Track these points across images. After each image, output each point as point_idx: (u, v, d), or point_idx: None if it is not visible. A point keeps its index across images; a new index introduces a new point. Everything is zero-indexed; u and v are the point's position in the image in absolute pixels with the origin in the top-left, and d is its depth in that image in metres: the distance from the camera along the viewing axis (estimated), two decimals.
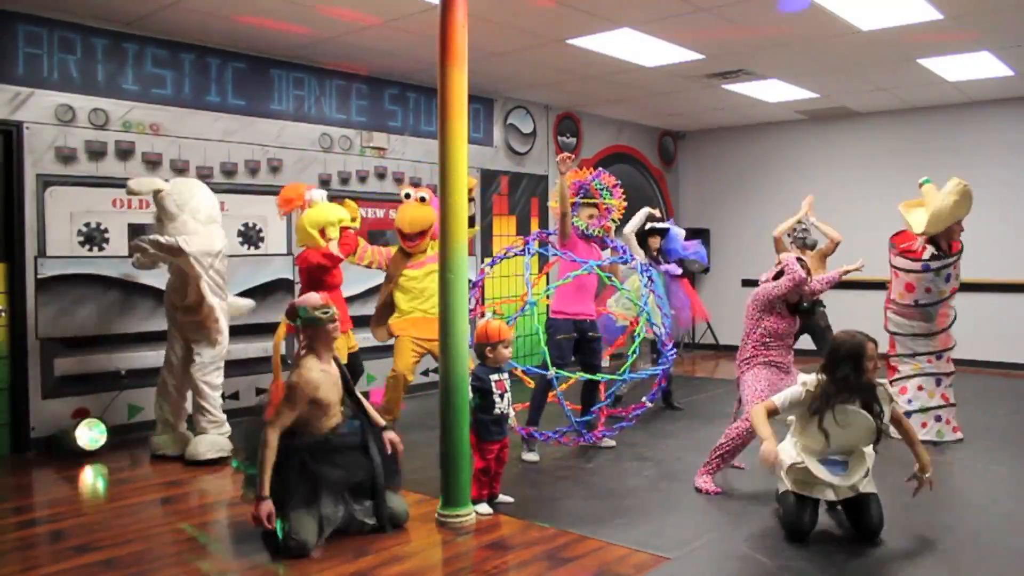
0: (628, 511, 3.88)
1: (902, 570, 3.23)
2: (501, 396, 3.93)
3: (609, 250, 5.37)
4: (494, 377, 3.93)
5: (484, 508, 3.87)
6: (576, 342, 5.00)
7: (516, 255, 5.31)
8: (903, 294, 5.29)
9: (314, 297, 3.57)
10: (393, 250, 5.65)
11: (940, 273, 5.16)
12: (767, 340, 4.32)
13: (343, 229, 5.22)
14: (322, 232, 5.15)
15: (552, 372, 4.66)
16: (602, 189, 5.24)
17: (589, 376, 4.96)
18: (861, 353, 3.42)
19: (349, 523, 3.49)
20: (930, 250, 5.25)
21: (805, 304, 4.45)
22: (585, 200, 5.16)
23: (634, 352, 5.10)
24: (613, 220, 5.30)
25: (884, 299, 5.47)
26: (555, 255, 5.17)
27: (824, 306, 6.37)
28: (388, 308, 5.51)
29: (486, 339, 3.98)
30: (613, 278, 5.18)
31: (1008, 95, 8.02)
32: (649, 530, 3.60)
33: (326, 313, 3.52)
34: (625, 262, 5.33)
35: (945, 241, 5.23)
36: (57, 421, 5.12)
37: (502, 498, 4.00)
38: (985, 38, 6.04)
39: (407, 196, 5.38)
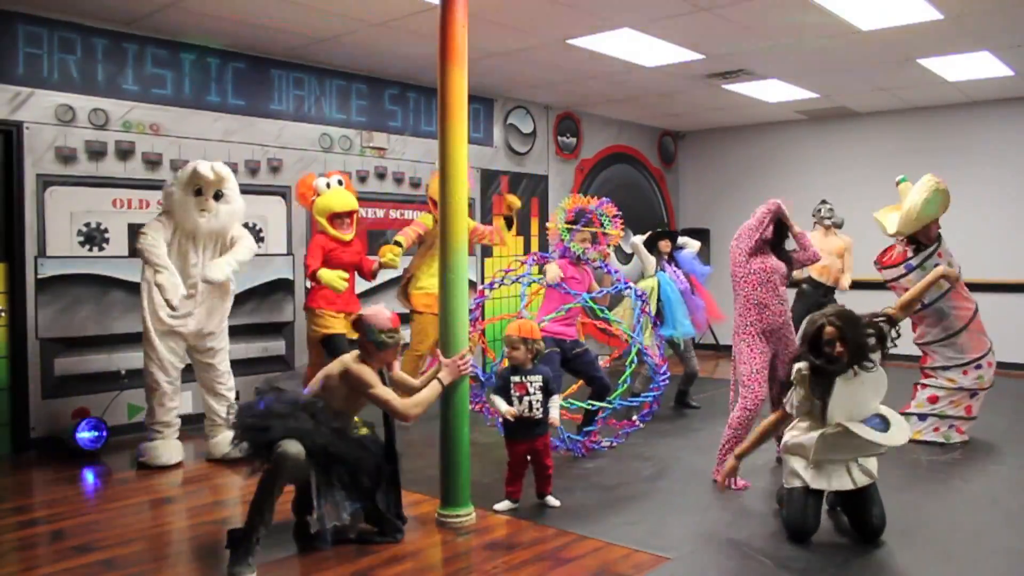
0: (628, 511, 3.88)
1: (903, 570, 3.23)
2: (520, 399, 3.88)
3: (603, 273, 5.36)
4: (514, 379, 3.91)
5: (500, 505, 3.89)
6: (564, 360, 4.94)
7: (515, 281, 5.28)
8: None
9: (383, 317, 3.50)
10: (427, 220, 5.64)
11: (925, 267, 5.10)
12: (760, 290, 4.24)
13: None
14: (331, 218, 5.25)
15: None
16: (602, 216, 5.24)
17: (595, 404, 4.93)
18: (818, 338, 3.43)
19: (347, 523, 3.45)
20: (910, 251, 5.22)
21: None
22: (584, 226, 5.14)
23: (632, 363, 5.01)
24: (610, 246, 5.28)
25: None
26: (548, 285, 5.09)
27: (835, 300, 6.43)
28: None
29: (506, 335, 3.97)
30: (605, 310, 5.12)
31: (1008, 95, 8.01)
32: (649, 530, 3.60)
33: (391, 337, 3.48)
34: (619, 291, 5.24)
35: (924, 237, 5.17)
36: (57, 421, 5.13)
37: (549, 500, 3.95)
38: (985, 38, 6.04)
39: None
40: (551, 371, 4.83)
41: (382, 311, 3.54)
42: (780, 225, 4.42)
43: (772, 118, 9.39)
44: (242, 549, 3.12)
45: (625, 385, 4.95)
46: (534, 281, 5.19)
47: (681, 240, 6.48)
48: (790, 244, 4.53)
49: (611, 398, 4.93)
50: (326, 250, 5.27)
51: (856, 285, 6.76)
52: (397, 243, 5.49)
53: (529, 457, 3.94)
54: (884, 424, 3.45)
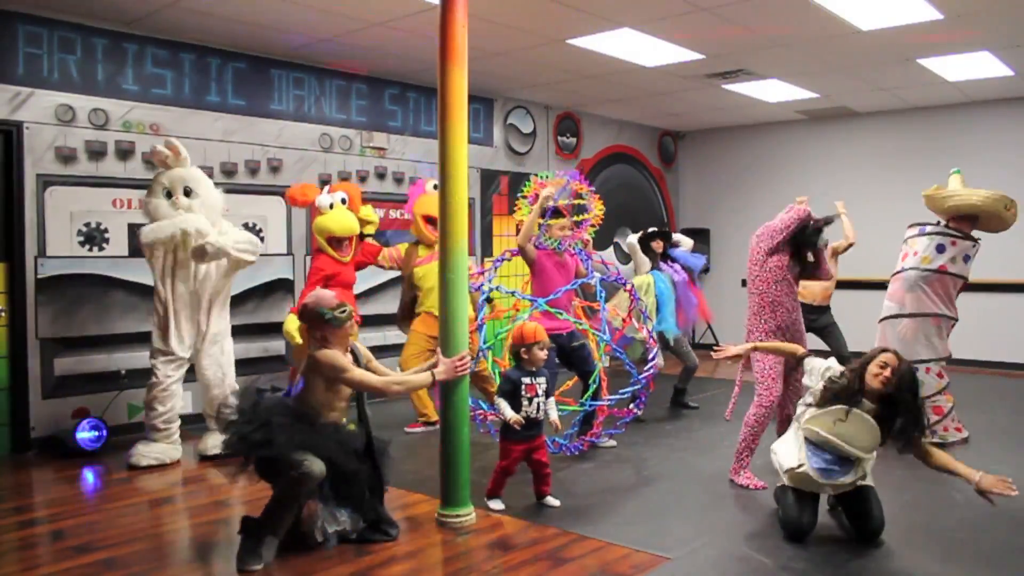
0: (628, 511, 3.88)
1: (903, 570, 3.23)
2: (530, 400, 3.90)
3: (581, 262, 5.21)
4: (525, 380, 3.92)
5: (496, 504, 3.91)
6: (562, 356, 4.92)
7: (477, 289, 5.03)
8: (899, 264, 5.28)
9: (327, 296, 3.49)
10: (403, 248, 5.76)
11: (933, 238, 5.12)
12: (775, 287, 4.23)
13: (362, 241, 5.41)
14: (329, 240, 5.23)
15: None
16: (579, 198, 5.16)
17: (567, 408, 4.90)
18: (868, 360, 3.42)
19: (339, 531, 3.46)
20: (939, 221, 5.25)
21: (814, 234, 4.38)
22: (554, 216, 5.04)
23: (594, 381, 4.94)
24: (592, 227, 5.20)
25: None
26: (521, 296, 5.03)
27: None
28: (411, 305, 5.71)
29: (521, 340, 3.97)
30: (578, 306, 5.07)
31: (1008, 95, 8.01)
32: (649, 530, 3.60)
33: (343, 312, 3.43)
34: (591, 279, 5.08)
35: (955, 223, 5.18)
36: (57, 421, 5.13)
37: (549, 500, 3.97)
38: (985, 38, 6.04)
39: (436, 187, 5.22)
40: (550, 370, 4.85)
41: (323, 293, 3.51)
42: (800, 236, 4.36)
43: (772, 118, 9.39)
44: (252, 543, 3.21)
45: (595, 385, 4.92)
46: (494, 289, 5.03)
47: (676, 237, 6.47)
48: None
49: (583, 400, 4.92)
50: (326, 276, 5.23)
51: (854, 285, 6.75)
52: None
53: (525, 458, 3.96)
54: (835, 463, 3.42)
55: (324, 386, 3.44)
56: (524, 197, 5.31)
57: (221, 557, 3.38)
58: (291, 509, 3.27)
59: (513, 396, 3.91)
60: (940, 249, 5.11)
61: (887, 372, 3.34)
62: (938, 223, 5.25)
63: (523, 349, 3.96)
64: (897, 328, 5.10)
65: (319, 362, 3.39)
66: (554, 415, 4.00)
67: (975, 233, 5.24)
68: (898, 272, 5.26)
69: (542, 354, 3.97)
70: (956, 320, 5.19)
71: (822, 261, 4.47)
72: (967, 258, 5.16)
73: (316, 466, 3.20)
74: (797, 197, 4.48)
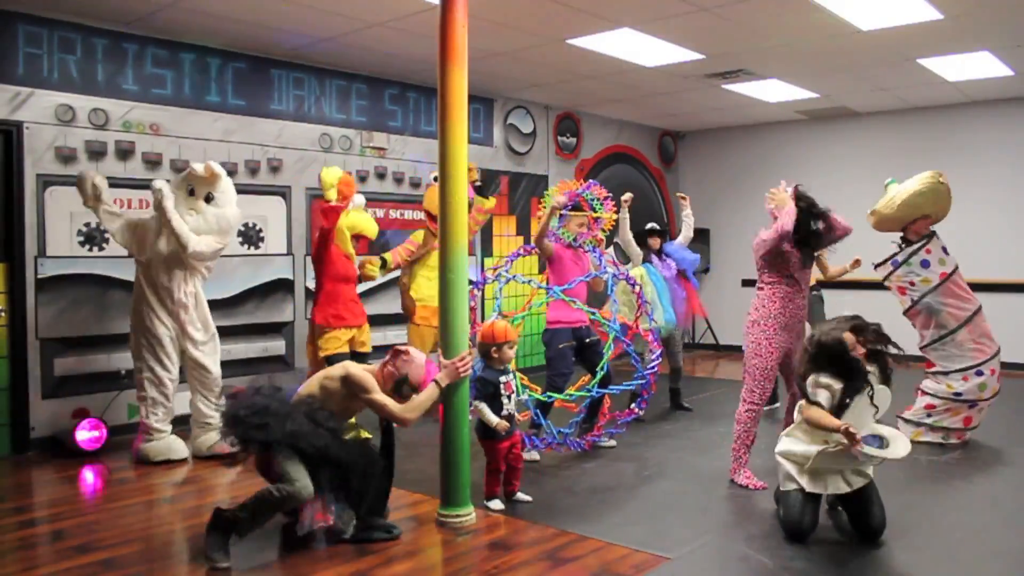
0: (628, 511, 3.88)
1: (903, 570, 3.23)
2: (508, 397, 3.97)
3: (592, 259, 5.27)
4: (502, 379, 3.97)
5: (495, 504, 3.91)
6: (577, 349, 5.01)
7: (493, 280, 5.07)
8: (903, 301, 5.26)
9: (421, 371, 3.57)
10: (418, 236, 5.74)
11: (911, 262, 5.13)
12: (786, 283, 4.20)
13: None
14: (354, 237, 5.30)
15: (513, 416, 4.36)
16: (593, 201, 5.23)
17: (552, 395, 4.90)
18: (843, 350, 3.43)
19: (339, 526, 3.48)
20: (896, 245, 5.24)
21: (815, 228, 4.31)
22: (574, 210, 5.14)
23: (602, 369, 4.91)
24: (604, 231, 5.30)
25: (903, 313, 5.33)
26: (537, 285, 5.13)
27: (822, 295, 6.40)
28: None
29: (492, 340, 4.00)
30: (596, 313, 5.09)
31: (1008, 95, 8.02)
32: (649, 530, 3.60)
33: (413, 391, 3.55)
34: (603, 274, 5.11)
35: (912, 234, 5.18)
36: (57, 421, 5.13)
37: (520, 496, 4.01)
38: (985, 38, 6.04)
39: (436, 179, 5.18)
40: (565, 367, 4.88)
41: (423, 364, 3.58)
42: (804, 219, 4.28)
43: (772, 118, 9.39)
44: (222, 538, 3.20)
45: (603, 372, 4.92)
46: (511, 279, 5.04)
47: (687, 213, 6.44)
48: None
49: (591, 385, 4.90)
50: (342, 276, 5.19)
51: (852, 285, 6.75)
52: (383, 260, 5.52)
53: (506, 454, 3.98)
54: (879, 442, 3.44)
55: (342, 398, 3.50)
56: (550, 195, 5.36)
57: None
58: (264, 519, 3.26)
59: (494, 397, 3.95)
60: (925, 264, 5.13)
61: (861, 342, 3.47)
62: (900, 248, 5.24)
63: (493, 348, 3.99)
64: (951, 347, 5.10)
65: (350, 378, 3.47)
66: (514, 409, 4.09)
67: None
68: (911, 309, 5.21)
69: (511, 352, 4.02)
70: (980, 305, 5.18)
71: (834, 223, 4.33)
72: (944, 250, 5.17)
73: (305, 491, 3.22)
74: (767, 192, 4.47)
